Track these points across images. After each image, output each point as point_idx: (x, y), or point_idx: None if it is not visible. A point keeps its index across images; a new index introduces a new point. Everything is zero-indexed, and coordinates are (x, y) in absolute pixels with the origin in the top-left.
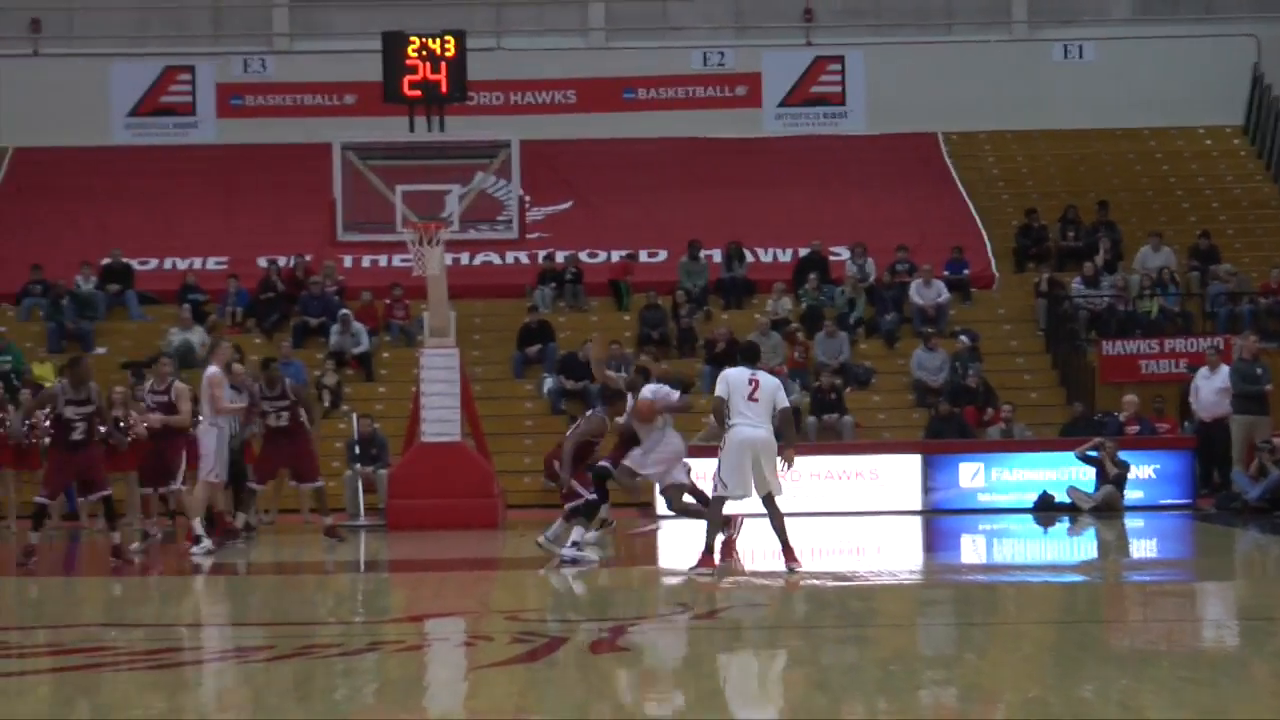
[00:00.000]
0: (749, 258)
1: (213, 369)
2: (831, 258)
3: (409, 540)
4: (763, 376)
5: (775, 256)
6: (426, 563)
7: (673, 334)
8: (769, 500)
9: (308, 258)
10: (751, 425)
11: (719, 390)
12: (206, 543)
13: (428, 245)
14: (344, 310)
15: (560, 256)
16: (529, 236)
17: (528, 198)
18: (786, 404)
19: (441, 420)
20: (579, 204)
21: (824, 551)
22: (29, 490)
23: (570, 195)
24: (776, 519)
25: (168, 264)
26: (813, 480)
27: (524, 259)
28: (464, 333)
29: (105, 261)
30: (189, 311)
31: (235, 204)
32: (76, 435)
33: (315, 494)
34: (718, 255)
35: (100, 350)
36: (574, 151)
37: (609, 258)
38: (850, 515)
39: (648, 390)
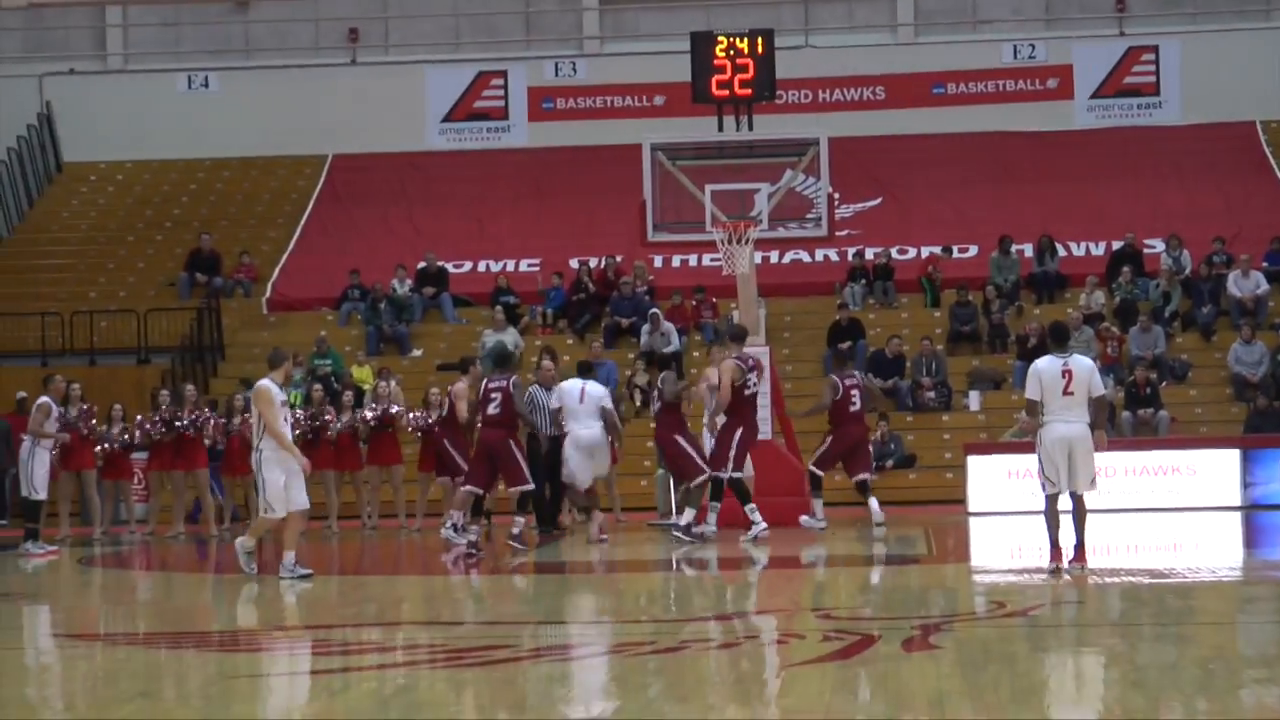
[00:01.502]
0: (1061, 252)
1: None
2: (1146, 250)
3: (722, 539)
4: (1076, 363)
5: (1088, 250)
6: (738, 560)
7: (983, 330)
8: (1078, 497)
9: (618, 258)
10: (1065, 421)
11: (1031, 391)
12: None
13: (737, 244)
14: (654, 310)
15: (870, 253)
16: (838, 234)
17: (836, 195)
18: (1102, 390)
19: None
20: (888, 200)
21: (1140, 548)
22: (347, 492)
23: (879, 192)
24: (1080, 516)
25: (481, 266)
26: (1128, 476)
27: (833, 256)
28: (774, 331)
29: (420, 265)
30: (502, 313)
31: (546, 206)
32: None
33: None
34: (1029, 250)
35: (416, 353)
36: (883, 148)
37: (919, 254)
38: (1166, 511)
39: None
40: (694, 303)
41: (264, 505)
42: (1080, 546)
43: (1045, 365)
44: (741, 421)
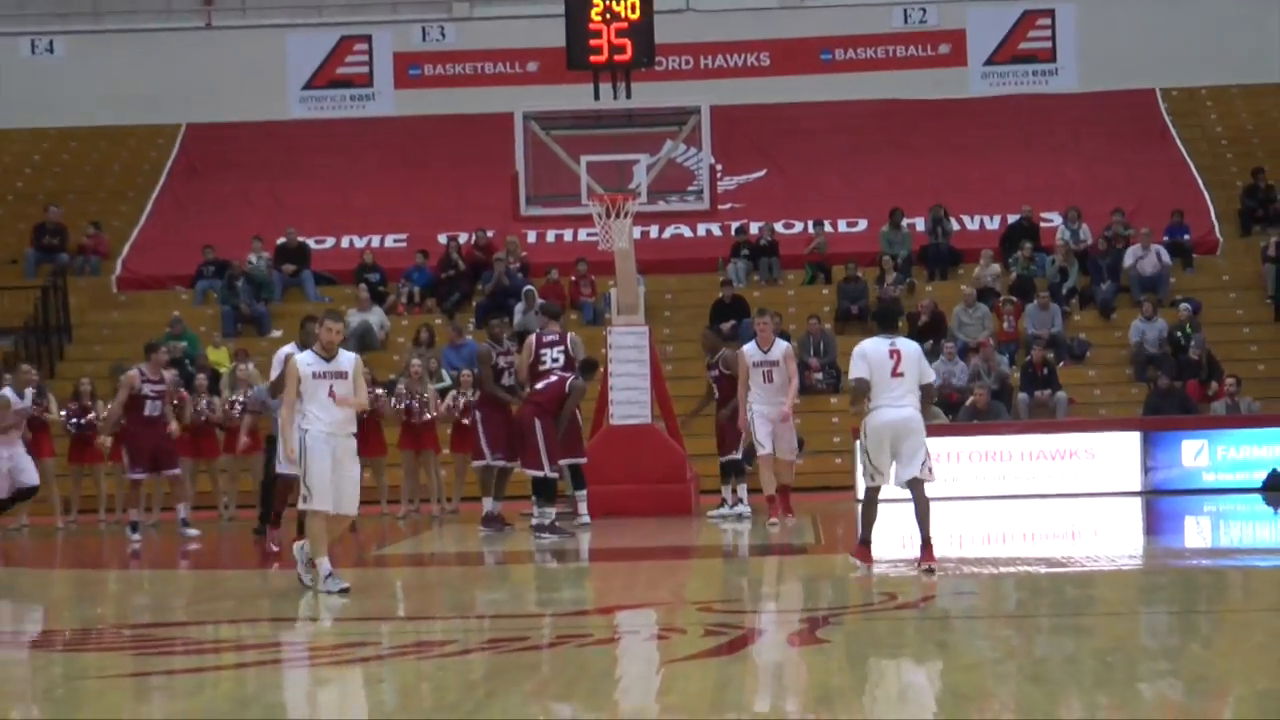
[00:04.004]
0: (954, 225)
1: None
2: (1042, 224)
3: (597, 528)
4: (904, 345)
5: (982, 224)
6: (616, 551)
7: (874, 307)
8: (915, 486)
9: (490, 233)
10: (894, 405)
11: (858, 370)
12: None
13: (615, 218)
14: (529, 287)
15: (755, 228)
16: (721, 207)
17: (719, 166)
18: (932, 376)
19: (631, 402)
20: (774, 172)
21: (1037, 536)
22: (204, 481)
23: (765, 163)
24: (922, 509)
25: (344, 242)
26: (1024, 461)
27: (716, 231)
28: (654, 309)
29: (280, 241)
30: (366, 292)
31: (414, 178)
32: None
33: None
34: (921, 223)
35: (276, 333)
36: (768, 117)
37: (806, 228)
38: (1064, 497)
39: None
40: (572, 279)
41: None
42: (927, 544)
43: (871, 346)
44: (540, 413)
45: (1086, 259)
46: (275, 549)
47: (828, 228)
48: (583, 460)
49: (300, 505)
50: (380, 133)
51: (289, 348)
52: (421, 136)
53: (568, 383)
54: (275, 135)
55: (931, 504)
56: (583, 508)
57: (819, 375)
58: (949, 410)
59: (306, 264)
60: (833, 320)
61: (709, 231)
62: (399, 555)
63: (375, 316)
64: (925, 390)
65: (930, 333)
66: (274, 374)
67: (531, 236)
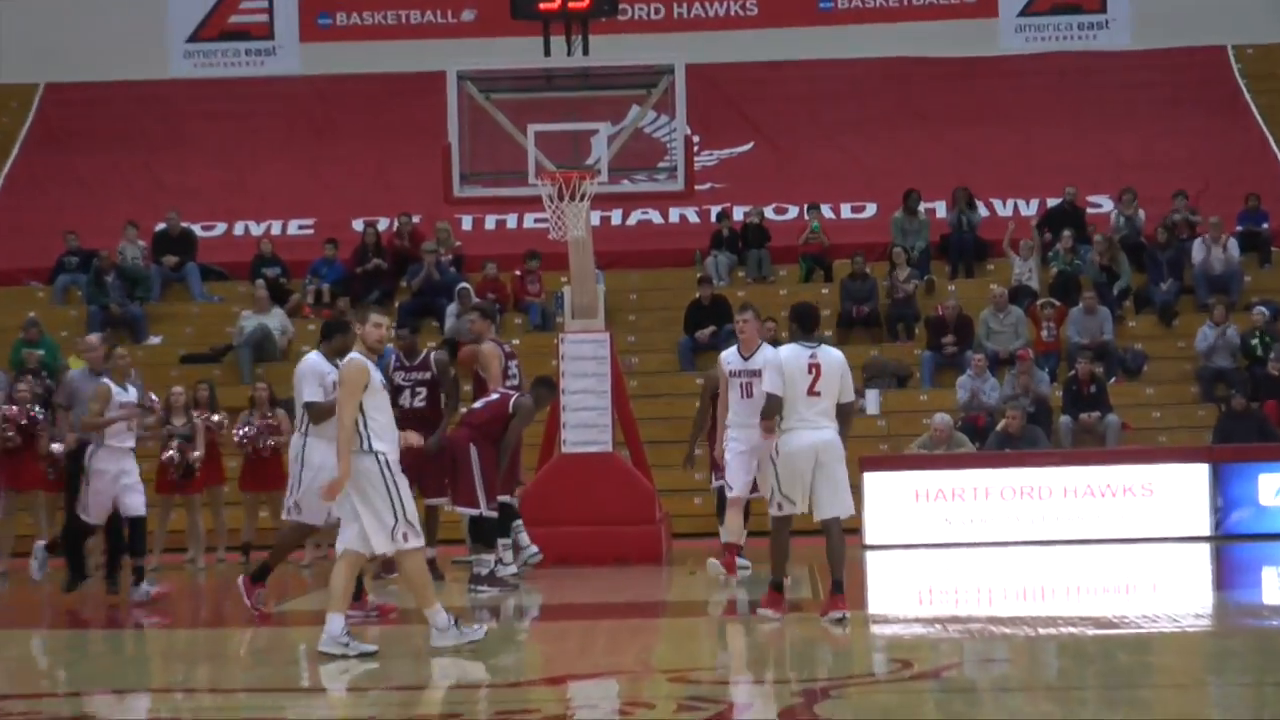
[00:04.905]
0: (982, 211)
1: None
2: (1089, 209)
3: (547, 579)
4: (826, 357)
5: (1016, 208)
6: (569, 608)
7: (884, 310)
8: (833, 525)
9: (416, 219)
10: (813, 427)
11: (772, 383)
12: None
13: (569, 201)
14: (463, 285)
15: (739, 213)
16: (699, 188)
17: (697, 138)
18: (853, 396)
19: (588, 425)
20: (762, 146)
21: (1083, 590)
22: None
23: (751, 135)
24: (836, 548)
25: (238, 229)
26: (1068, 499)
27: (693, 217)
28: (616, 312)
29: (160, 227)
30: (264, 289)
31: (323, 152)
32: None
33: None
34: (941, 208)
35: (154, 339)
36: (756, 79)
37: (801, 214)
38: (1116, 543)
39: None
40: (516, 274)
41: None
42: (838, 589)
43: (790, 355)
44: (477, 438)
45: (1143, 252)
46: (261, 610)
47: (827, 213)
48: (514, 500)
49: (401, 546)
50: (282, 96)
51: (314, 356)
52: (333, 101)
53: (511, 401)
54: (153, 98)
55: (846, 544)
56: (524, 537)
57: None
58: (975, 436)
59: (191, 255)
60: (834, 326)
61: (684, 217)
62: (302, 612)
63: (275, 320)
64: (844, 412)
65: (954, 341)
66: (308, 388)
67: (467, 223)
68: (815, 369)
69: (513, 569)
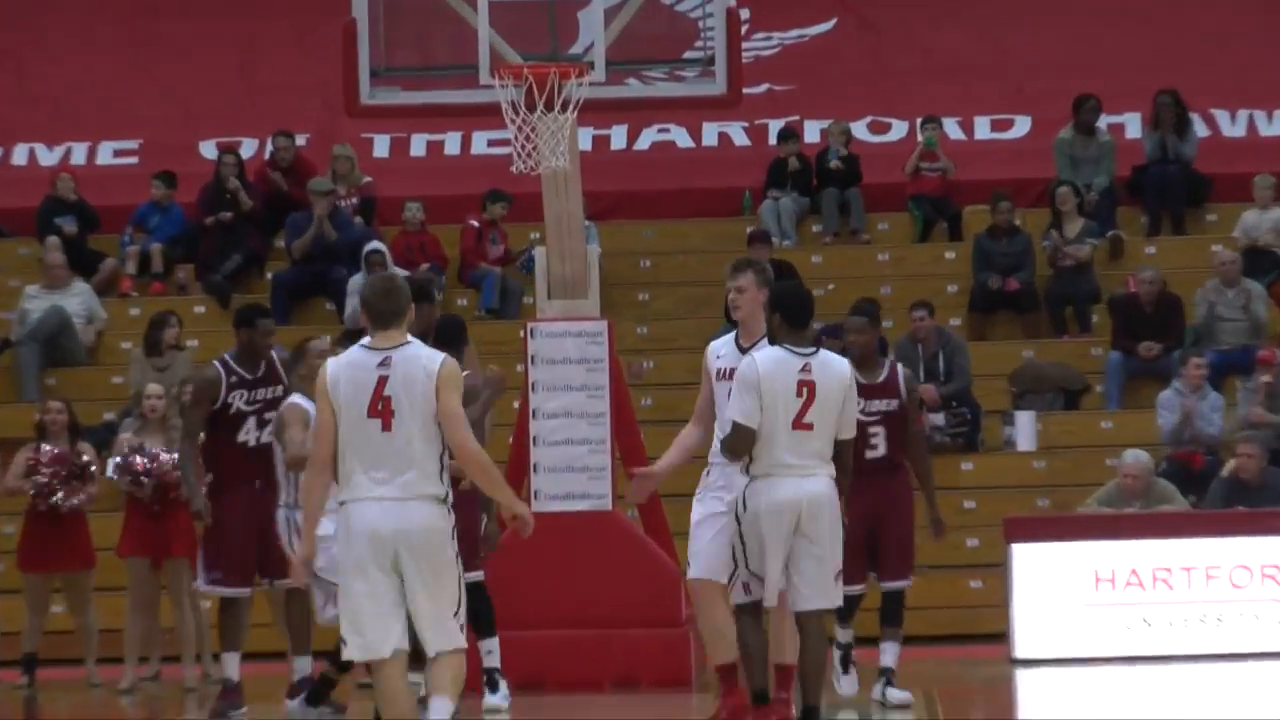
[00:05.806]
0: (1199, 130)
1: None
2: None
3: (519, 709)
4: (824, 369)
5: (1252, 125)
6: None
7: (1043, 286)
8: (810, 620)
9: (301, 140)
10: (798, 474)
11: (744, 410)
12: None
13: (545, 113)
14: (375, 245)
15: (814, 131)
16: (750, 91)
17: (746, 13)
18: (853, 432)
19: (574, 469)
20: (847, 23)
21: None
22: None
23: (833, 8)
24: (815, 657)
25: (18, 156)
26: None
27: (740, 138)
28: (619, 288)
29: None
30: (60, 252)
31: (155, 36)
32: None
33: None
34: (1133, 126)
35: None
36: None
37: (911, 131)
38: None
39: None
40: (472, 224)
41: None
42: (812, 714)
43: (769, 365)
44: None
45: None
46: None
47: (951, 131)
48: (480, 576)
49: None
50: None
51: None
52: None
53: None
54: None
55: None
56: (490, 658)
57: (937, 418)
58: (1189, 483)
59: None
60: (965, 311)
61: (725, 138)
62: None
63: (78, 298)
64: (841, 453)
65: (1154, 334)
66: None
67: (381, 146)
68: (808, 389)
69: None
